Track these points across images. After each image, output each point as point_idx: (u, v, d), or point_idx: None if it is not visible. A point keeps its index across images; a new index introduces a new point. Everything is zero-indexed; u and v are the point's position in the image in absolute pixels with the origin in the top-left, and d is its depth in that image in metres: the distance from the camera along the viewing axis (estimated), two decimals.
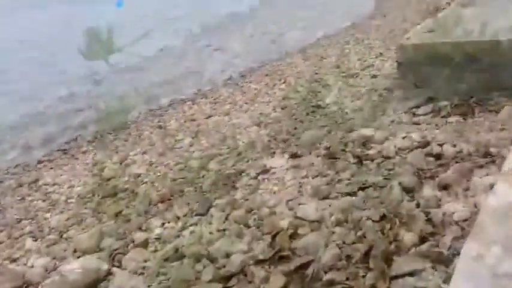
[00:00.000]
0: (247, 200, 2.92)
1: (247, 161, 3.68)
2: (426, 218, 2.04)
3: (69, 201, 3.88)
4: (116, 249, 2.75)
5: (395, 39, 6.64)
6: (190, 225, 2.84)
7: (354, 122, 3.96)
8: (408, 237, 1.99)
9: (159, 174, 4.01)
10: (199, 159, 4.04)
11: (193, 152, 4.36)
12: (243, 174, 3.39)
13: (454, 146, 2.81)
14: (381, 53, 6.91)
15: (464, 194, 2.18)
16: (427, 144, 2.96)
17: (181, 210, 3.08)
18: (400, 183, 2.48)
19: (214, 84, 8.29)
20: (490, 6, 5.27)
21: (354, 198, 2.55)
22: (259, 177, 3.25)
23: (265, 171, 3.32)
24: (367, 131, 3.53)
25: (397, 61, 3.86)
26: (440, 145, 2.87)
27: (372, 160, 3.01)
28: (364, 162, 3.02)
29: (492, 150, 2.66)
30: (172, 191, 3.48)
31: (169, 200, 3.36)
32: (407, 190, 2.37)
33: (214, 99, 6.84)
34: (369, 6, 17.75)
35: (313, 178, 2.99)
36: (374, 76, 5.44)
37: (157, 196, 3.42)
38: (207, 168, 3.79)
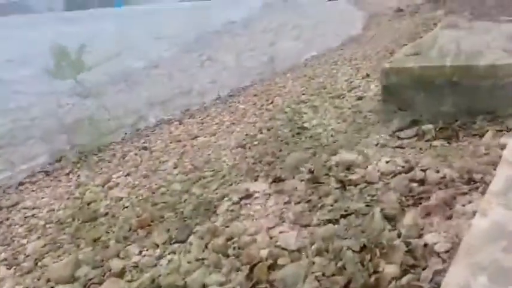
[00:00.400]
0: (227, 227, 2.85)
1: (231, 185, 3.62)
2: (407, 248, 1.99)
3: (47, 226, 3.78)
4: (91, 279, 2.66)
5: (382, 61, 6.68)
6: (169, 253, 2.76)
7: (338, 145, 3.93)
8: (388, 269, 1.93)
9: (141, 198, 3.93)
10: (182, 183, 3.97)
11: (177, 174, 4.29)
12: (225, 199, 3.33)
13: (438, 171, 2.78)
14: (367, 74, 6.93)
15: (447, 224, 2.13)
16: (410, 169, 2.93)
17: (161, 237, 2.99)
18: (382, 210, 2.43)
19: (202, 103, 8.28)
20: (473, 30, 5.32)
21: (335, 226, 2.49)
22: (242, 203, 3.18)
23: (248, 196, 3.25)
24: (351, 155, 3.49)
25: (381, 84, 3.85)
26: (424, 170, 2.83)
27: (355, 185, 2.96)
28: (348, 187, 2.98)
29: (475, 176, 2.63)
30: (152, 216, 3.39)
31: (150, 225, 3.27)
32: (389, 218, 2.32)
33: (202, 119, 6.80)
34: (358, 27, 17.99)
35: (295, 204, 2.94)
36: (360, 98, 5.43)
37: (138, 222, 3.34)
38: (190, 192, 3.72)
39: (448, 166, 2.83)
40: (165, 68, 12.99)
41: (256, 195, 3.24)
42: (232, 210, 3.10)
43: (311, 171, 3.40)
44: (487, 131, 3.22)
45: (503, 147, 3.02)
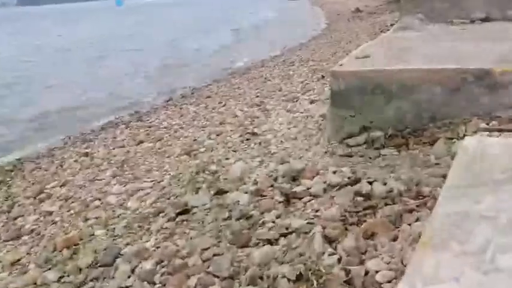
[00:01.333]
0: (158, 247, 2.58)
1: (169, 198, 3.35)
2: (346, 278, 1.78)
3: None
4: None
5: (338, 62, 6.55)
6: (91, 280, 2.46)
7: (287, 153, 3.72)
8: None
9: (72, 212, 3.60)
10: (119, 195, 3.66)
11: (115, 185, 3.97)
12: (161, 214, 3.05)
13: (385, 183, 2.60)
14: (323, 76, 6.80)
15: (391, 247, 1.94)
16: (357, 181, 2.74)
17: (86, 259, 2.69)
18: (323, 229, 2.22)
19: (152, 105, 7.94)
20: (429, 32, 5.24)
21: (274, 247, 2.26)
22: (178, 219, 2.91)
23: (186, 211, 2.98)
24: (298, 164, 3.28)
25: (330, 89, 3.66)
26: (371, 183, 2.65)
27: (300, 198, 2.75)
28: (292, 200, 2.76)
29: (424, 189, 2.46)
30: (81, 234, 3.08)
31: (76, 245, 2.96)
32: (330, 239, 2.11)
33: (150, 122, 6.49)
34: (318, 27, 17.99)
35: (236, 220, 2.69)
36: (313, 101, 5.26)
37: (64, 240, 3.01)
38: (125, 206, 3.43)
39: (396, 178, 2.65)
40: (119, 68, 12.53)
41: (195, 210, 2.97)
42: (166, 228, 2.82)
43: (256, 183, 3.17)
44: (438, 138, 3.08)
45: (453, 156, 2.87)
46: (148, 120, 6.62)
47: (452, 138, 3.02)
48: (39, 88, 10.71)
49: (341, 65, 3.70)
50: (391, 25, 9.31)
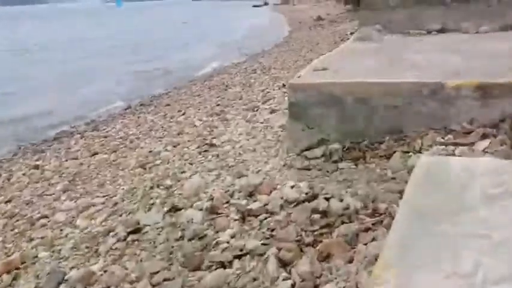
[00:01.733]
0: (105, 271, 2.43)
1: (121, 215, 3.19)
2: None
3: None
4: None
5: (299, 71, 6.53)
6: None
7: (245, 166, 3.63)
8: None
9: (17, 231, 3.38)
10: (68, 212, 3.48)
11: (65, 201, 3.77)
12: (111, 233, 2.89)
13: (342, 200, 2.55)
14: (283, 85, 6.75)
15: (347, 270, 1.88)
16: (314, 197, 2.68)
17: (27, 286, 2.50)
18: (279, 250, 2.14)
19: (110, 114, 7.70)
20: (386, 43, 5.29)
21: (227, 270, 2.17)
22: (129, 238, 2.76)
23: (138, 229, 2.84)
24: (256, 178, 3.20)
25: (288, 101, 3.60)
26: (328, 199, 2.59)
27: (256, 216, 2.66)
28: (248, 218, 2.67)
29: (381, 206, 2.43)
30: (24, 257, 2.88)
31: (18, 269, 2.76)
32: (285, 262, 2.03)
33: (106, 131, 6.27)
34: (280, 35, 18.07)
35: (188, 240, 2.57)
36: (273, 111, 5.20)
37: (3, 264, 2.81)
38: (74, 224, 3.24)
39: (352, 194, 2.61)
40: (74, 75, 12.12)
41: (147, 229, 2.83)
42: (116, 249, 2.68)
43: (211, 198, 3.06)
44: (395, 152, 3.07)
45: (410, 170, 2.86)
46: (104, 129, 6.40)
47: (408, 152, 3.01)
48: None
49: (299, 77, 3.66)
50: (351, 34, 9.43)
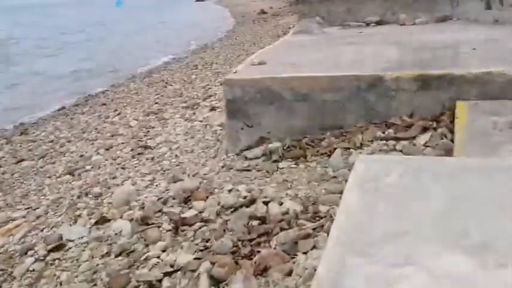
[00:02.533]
0: None
1: (43, 230, 2.88)
2: None
3: None
4: None
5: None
6: None
7: (181, 169, 3.40)
8: None
9: None
10: None
11: None
12: (29, 252, 2.59)
13: (281, 204, 2.39)
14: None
15: (284, 284, 1.72)
16: (253, 201, 2.50)
17: None
18: (212, 265, 1.95)
19: (42, 115, 7.18)
20: (326, 36, 5.20)
21: None
22: (49, 258, 2.48)
23: (60, 246, 2.56)
24: (192, 182, 2.98)
25: (225, 98, 3.41)
26: (267, 203, 2.43)
27: (190, 225, 2.45)
28: (182, 228, 2.45)
29: (321, 208, 2.29)
30: None
31: None
32: (218, 280, 1.84)
33: (36, 135, 5.83)
34: (223, 29, 17.80)
35: (115, 256, 2.33)
36: (213, 108, 5.00)
37: None
38: None
39: (292, 196, 2.45)
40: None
41: (71, 244, 2.56)
42: (33, 271, 2.38)
43: (143, 207, 2.82)
44: (335, 148, 2.95)
45: (350, 167, 2.75)
46: (33, 133, 5.94)
47: (349, 148, 2.90)
48: None
49: (235, 72, 3.46)
50: (293, 27, 9.35)
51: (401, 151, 2.68)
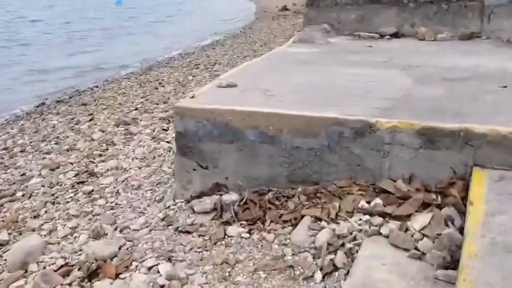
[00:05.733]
0: None
1: None
2: None
3: None
4: None
5: (193, 91, 5.60)
6: None
7: (113, 215, 2.69)
8: None
9: None
10: None
11: None
12: None
13: None
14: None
15: None
16: None
17: None
18: None
19: (10, 118, 6.43)
20: (329, 49, 4.40)
21: None
22: None
23: None
24: (110, 247, 2.28)
25: (175, 130, 2.66)
26: None
27: None
28: None
29: None
30: None
31: None
32: None
33: None
34: (239, 24, 16.99)
35: None
36: None
37: None
38: None
39: None
40: None
41: None
42: None
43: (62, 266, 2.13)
44: (303, 216, 2.18)
45: (315, 252, 1.99)
46: None
47: (320, 220, 2.13)
48: None
49: (192, 96, 2.71)
50: (298, 31, 8.49)
51: (387, 237, 1.89)
